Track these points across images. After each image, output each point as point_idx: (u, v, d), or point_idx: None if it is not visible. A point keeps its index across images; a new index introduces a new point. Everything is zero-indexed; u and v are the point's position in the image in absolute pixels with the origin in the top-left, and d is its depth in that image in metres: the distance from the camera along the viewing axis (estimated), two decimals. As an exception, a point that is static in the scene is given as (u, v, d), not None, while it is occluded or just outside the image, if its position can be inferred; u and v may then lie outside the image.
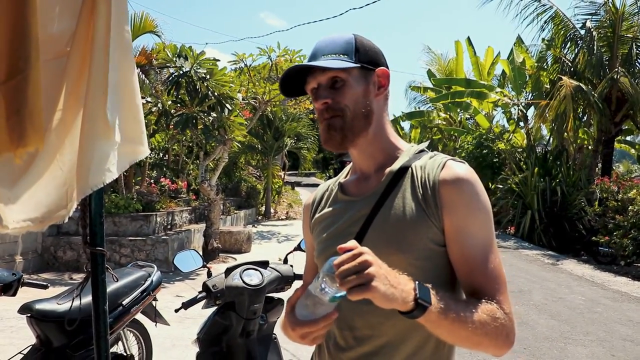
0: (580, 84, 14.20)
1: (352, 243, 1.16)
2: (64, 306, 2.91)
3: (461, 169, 1.38)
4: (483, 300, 1.28)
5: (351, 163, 1.64)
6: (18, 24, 1.42)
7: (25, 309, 3.01)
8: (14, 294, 2.88)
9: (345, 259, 1.12)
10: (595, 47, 14.71)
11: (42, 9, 1.50)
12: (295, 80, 1.49)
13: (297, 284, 3.01)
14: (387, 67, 1.50)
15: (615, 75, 13.90)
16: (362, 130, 1.44)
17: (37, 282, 3.11)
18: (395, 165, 1.46)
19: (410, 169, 1.44)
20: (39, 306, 3.00)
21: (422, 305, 1.15)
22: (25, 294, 3.02)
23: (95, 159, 1.48)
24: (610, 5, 14.89)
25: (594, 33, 14.98)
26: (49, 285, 3.16)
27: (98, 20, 1.46)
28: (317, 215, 1.61)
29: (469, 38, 22.44)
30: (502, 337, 1.27)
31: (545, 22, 16.20)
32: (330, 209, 1.56)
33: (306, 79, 1.48)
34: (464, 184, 1.35)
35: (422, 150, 1.52)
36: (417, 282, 1.18)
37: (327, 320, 1.21)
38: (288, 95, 1.56)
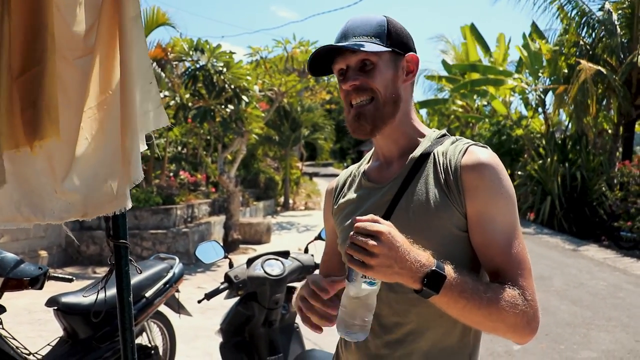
0: (600, 68, 13.98)
1: (370, 216, 1.19)
2: (89, 299, 2.96)
3: (483, 154, 1.36)
4: (505, 286, 1.26)
5: (372, 149, 1.62)
6: (33, 17, 1.42)
7: (52, 302, 3.07)
8: (40, 288, 2.94)
9: (362, 230, 1.16)
10: (614, 29, 14.44)
11: (67, 8, 1.51)
12: (323, 59, 1.46)
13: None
14: (416, 52, 1.47)
15: (636, 58, 13.64)
16: (390, 117, 1.42)
17: (63, 276, 3.17)
18: (417, 152, 1.44)
19: (432, 154, 1.42)
20: (65, 299, 3.06)
21: (426, 292, 1.18)
22: (51, 288, 3.08)
23: (135, 153, 1.50)
24: (630, -14, 14.60)
25: (614, 15, 14.70)
26: (73, 278, 3.22)
27: (124, 14, 1.45)
28: (340, 201, 1.60)
29: (472, 24, 21.98)
30: (521, 324, 1.25)
31: (560, 7, 15.95)
32: (354, 195, 1.54)
33: (334, 59, 1.44)
34: (485, 169, 1.33)
35: (443, 135, 1.50)
36: (433, 269, 1.18)
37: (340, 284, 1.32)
38: (316, 75, 1.52)
